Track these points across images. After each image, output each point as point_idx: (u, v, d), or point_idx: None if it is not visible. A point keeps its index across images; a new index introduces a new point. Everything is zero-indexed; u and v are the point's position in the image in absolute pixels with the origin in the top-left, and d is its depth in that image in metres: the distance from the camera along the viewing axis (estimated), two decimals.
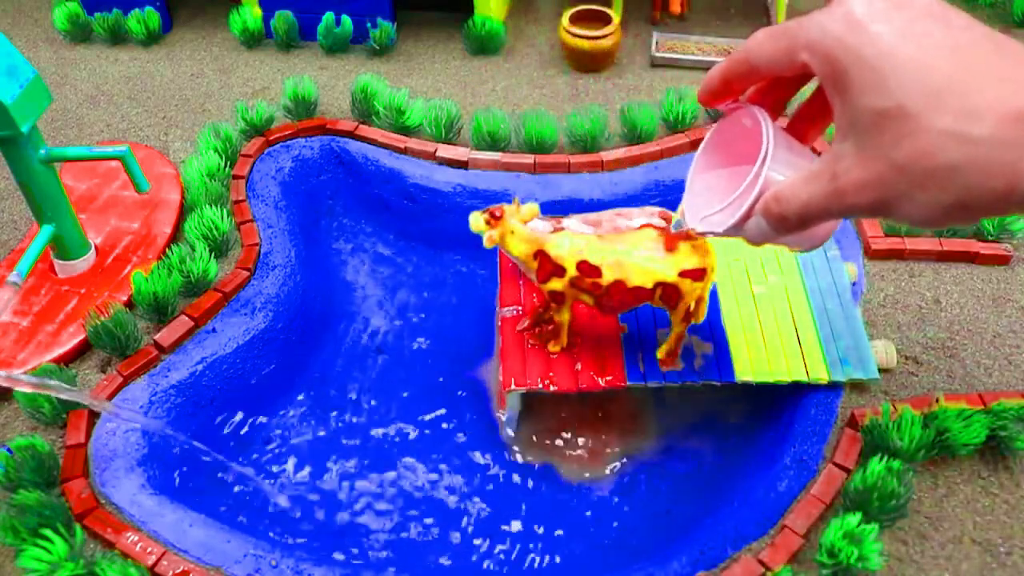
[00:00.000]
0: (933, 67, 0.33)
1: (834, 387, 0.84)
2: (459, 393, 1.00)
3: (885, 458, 0.75)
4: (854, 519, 0.70)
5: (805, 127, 0.46)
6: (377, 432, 0.96)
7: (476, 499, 0.90)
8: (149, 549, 0.73)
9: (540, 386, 0.85)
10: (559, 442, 0.94)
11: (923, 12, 0.35)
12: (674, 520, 0.86)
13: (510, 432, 0.93)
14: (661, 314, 0.89)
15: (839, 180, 0.36)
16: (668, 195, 1.10)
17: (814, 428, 0.82)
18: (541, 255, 0.79)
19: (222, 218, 0.99)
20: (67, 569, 0.69)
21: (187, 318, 0.91)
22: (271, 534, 0.86)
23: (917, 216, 0.35)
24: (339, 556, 0.84)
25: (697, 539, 0.77)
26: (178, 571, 0.72)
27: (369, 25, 1.32)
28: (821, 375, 0.84)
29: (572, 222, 0.81)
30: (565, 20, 1.27)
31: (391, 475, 0.92)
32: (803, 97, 0.46)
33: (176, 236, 1.03)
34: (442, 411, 0.98)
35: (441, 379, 1.02)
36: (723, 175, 0.49)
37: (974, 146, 0.32)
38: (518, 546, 0.86)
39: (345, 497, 0.90)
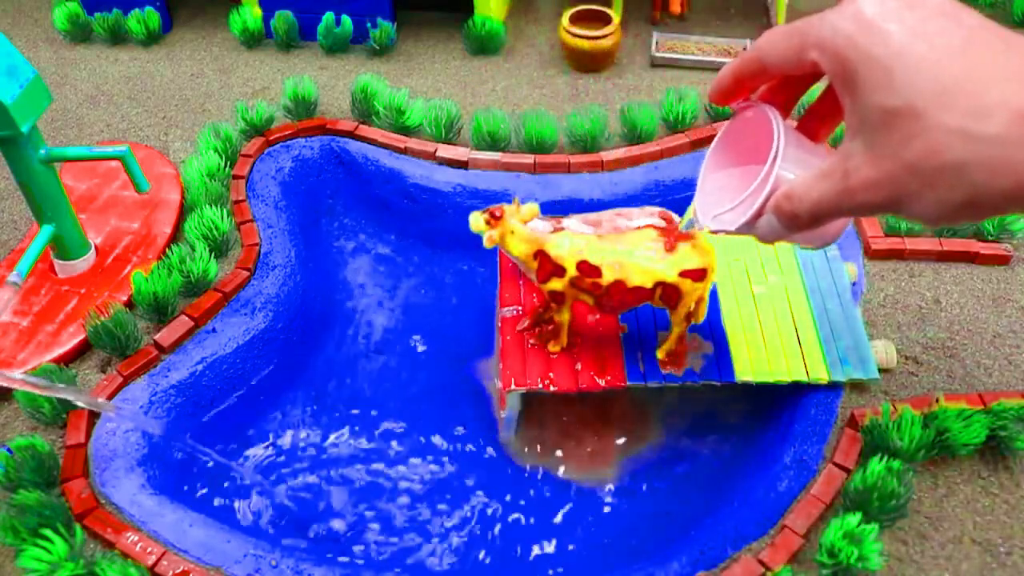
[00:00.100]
0: (943, 66, 0.33)
1: (834, 387, 0.84)
2: (459, 393, 1.00)
3: (885, 458, 0.75)
4: (854, 519, 0.70)
5: (816, 125, 0.46)
6: (377, 432, 0.96)
7: (476, 499, 0.90)
8: (149, 549, 0.73)
9: (540, 386, 0.85)
10: (559, 442, 0.94)
11: (934, 10, 0.35)
12: (674, 520, 0.86)
13: (510, 432, 0.93)
14: (661, 314, 0.89)
15: (850, 179, 0.37)
16: (668, 195, 1.10)
17: (814, 428, 0.82)
18: (541, 255, 0.79)
19: (222, 218, 0.99)
20: (67, 569, 0.69)
21: (187, 318, 0.91)
22: (271, 534, 0.86)
23: (927, 214, 0.36)
24: (339, 556, 0.84)
25: (697, 539, 0.77)
26: (178, 571, 0.72)
27: (369, 25, 1.32)
28: (821, 375, 0.84)
29: (572, 222, 0.81)
30: (565, 20, 1.27)
31: (391, 475, 0.92)
32: (815, 95, 0.46)
33: (176, 236, 1.03)
34: (442, 411, 0.98)
35: (441, 379, 1.02)
36: (734, 173, 0.49)
37: (983, 144, 0.32)
38: (518, 546, 0.86)
39: (345, 497, 0.90)
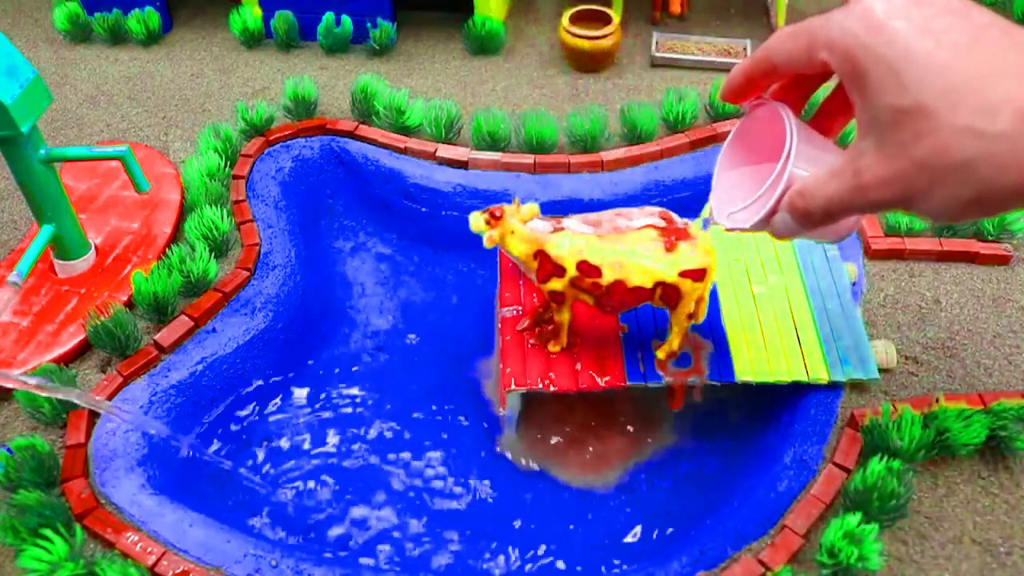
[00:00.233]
0: (951, 64, 0.33)
1: (834, 387, 0.84)
2: (459, 393, 1.00)
3: (885, 458, 0.75)
4: (854, 519, 0.70)
5: (828, 122, 0.47)
6: (377, 432, 0.96)
7: (476, 499, 0.90)
8: (149, 549, 0.73)
9: (540, 386, 0.85)
10: (559, 442, 0.94)
11: (942, 8, 0.35)
12: (674, 520, 0.86)
13: (510, 432, 0.93)
14: (661, 314, 0.89)
15: (861, 176, 0.37)
16: (668, 195, 1.10)
17: (814, 428, 0.82)
18: (541, 255, 0.79)
19: (222, 218, 0.99)
20: (67, 569, 0.69)
21: (187, 318, 0.91)
22: (271, 534, 0.86)
23: (936, 211, 0.36)
24: (339, 556, 0.84)
25: (697, 539, 0.77)
26: (178, 571, 0.72)
27: (369, 25, 1.32)
28: (821, 375, 0.84)
29: (572, 222, 0.81)
30: (565, 20, 1.27)
31: (391, 475, 0.92)
32: (825, 92, 0.47)
33: (176, 236, 1.03)
34: (442, 411, 0.98)
35: (441, 379, 1.02)
36: (748, 172, 0.50)
37: (990, 142, 0.33)
38: (518, 546, 0.86)
39: (345, 497, 0.90)
